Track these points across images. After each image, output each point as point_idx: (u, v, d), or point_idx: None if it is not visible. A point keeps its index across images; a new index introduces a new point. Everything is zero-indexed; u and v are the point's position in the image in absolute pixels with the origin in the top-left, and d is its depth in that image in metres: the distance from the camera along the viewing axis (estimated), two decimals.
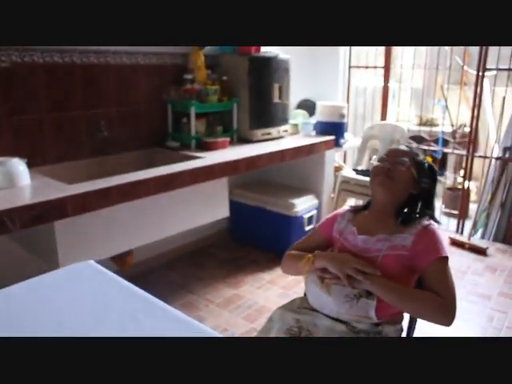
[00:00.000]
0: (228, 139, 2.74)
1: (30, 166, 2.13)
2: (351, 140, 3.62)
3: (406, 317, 1.40)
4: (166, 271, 2.91)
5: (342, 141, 3.28)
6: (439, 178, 4.63)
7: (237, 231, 3.39)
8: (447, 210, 4.02)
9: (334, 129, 3.23)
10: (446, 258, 1.30)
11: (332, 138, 3.18)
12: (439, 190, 3.99)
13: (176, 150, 2.66)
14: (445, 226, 3.71)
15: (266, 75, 2.88)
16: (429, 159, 1.49)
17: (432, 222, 1.39)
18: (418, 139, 3.85)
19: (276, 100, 2.97)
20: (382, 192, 1.39)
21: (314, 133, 3.29)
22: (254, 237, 3.15)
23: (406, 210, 1.41)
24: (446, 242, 1.36)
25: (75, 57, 2.30)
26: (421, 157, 1.44)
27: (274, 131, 3.01)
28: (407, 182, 1.38)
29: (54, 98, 2.27)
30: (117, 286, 1.28)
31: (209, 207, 2.49)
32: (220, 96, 2.81)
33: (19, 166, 1.93)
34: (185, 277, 2.85)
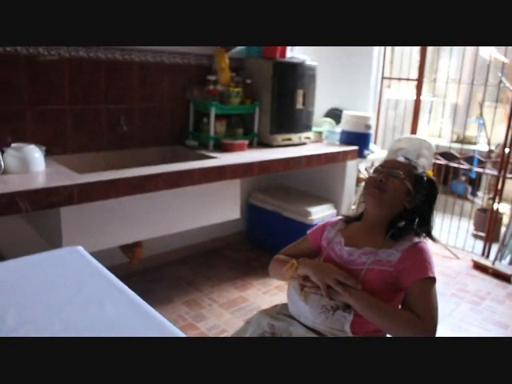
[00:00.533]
0: (246, 142, 2.74)
1: (48, 154, 2.22)
2: (378, 152, 3.53)
3: None
4: (177, 267, 2.94)
5: (366, 152, 3.20)
6: (472, 198, 4.45)
7: (252, 234, 3.39)
8: (476, 233, 3.84)
9: (358, 139, 3.16)
10: (433, 278, 1.23)
11: (355, 148, 3.11)
12: (471, 211, 3.82)
13: (194, 149, 2.68)
14: (470, 249, 3.55)
15: (290, 81, 2.86)
16: (429, 173, 1.42)
17: (424, 240, 1.32)
18: (448, 156, 3.70)
19: (299, 106, 2.95)
20: (373, 204, 1.34)
21: (338, 142, 3.24)
22: (269, 241, 3.13)
23: (399, 225, 1.35)
24: (435, 263, 1.29)
25: (100, 52, 2.37)
26: (419, 170, 1.38)
27: (294, 137, 2.98)
28: (400, 195, 1.33)
29: (77, 91, 2.35)
30: (95, 273, 1.29)
31: (219, 207, 2.49)
32: (242, 99, 2.82)
33: (35, 153, 2.01)
34: (194, 274, 2.87)
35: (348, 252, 1.34)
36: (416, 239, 1.31)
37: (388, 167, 1.35)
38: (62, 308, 1.09)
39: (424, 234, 1.36)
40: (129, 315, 1.09)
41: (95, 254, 2.09)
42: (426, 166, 3.34)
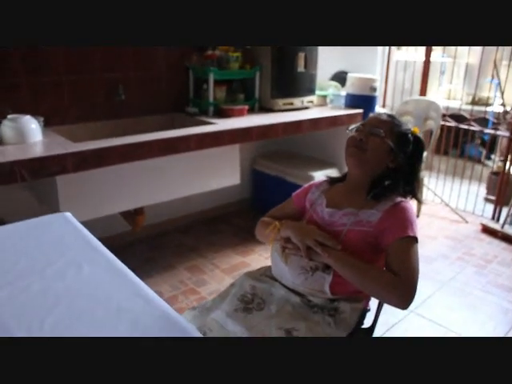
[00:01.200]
0: (246, 107, 2.71)
1: (48, 125, 2.24)
2: None
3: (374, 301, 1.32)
4: (180, 235, 2.98)
5: (371, 115, 3.11)
6: (486, 161, 4.33)
7: (257, 200, 3.40)
8: (488, 197, 3.75)
9: (363, 102, 3.08)
10: (413, 238, 1.21)
11: (360, 111, 3.04)
12: (482, 174, 3.73)
13: (194, 115, 2.67)
14: (481, 213, 3.48)
15: None
16: (415, 130, 1.37)
17: (405, 199, 1.29)
18: (459, 118, 3.58)
19: (301, 69, 2.88)
20: (353, 163, 1.31)
21: (343, 106, 3.16)
22: (274, 207, 3.12)
23: (382, 185, 1.32)
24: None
25: None
26: (403, 127, 1.34)
27: (296, 101, 2.93)
28: (381, 153, 1.29)
29: (73, 61, 2.34)
30: (79, 238, 1.31)
31: (218, 173, 2.50)
32: (242, 64, 2.77)
33: (31, 123, 2.02)
34: (197, 241, 2.91)
35: (329, 213, 1.33)
36: (399, 199, 1.28)
37: (368, 125, 1.31)
38: (44, 270, 1.12)
39: (409, 195, 1.34)
40: (105, 277, 1.11)
41: (96, 222, 2.14)
42: (433, 128, 3.26)
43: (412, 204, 1.29)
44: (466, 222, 3.39)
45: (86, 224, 2.08)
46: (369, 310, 1.38)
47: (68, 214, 1.49)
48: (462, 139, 3.69)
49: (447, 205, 3.57)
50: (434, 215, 3.50)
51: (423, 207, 3.51)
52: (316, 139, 3.26)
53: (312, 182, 1.50)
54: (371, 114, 1.40)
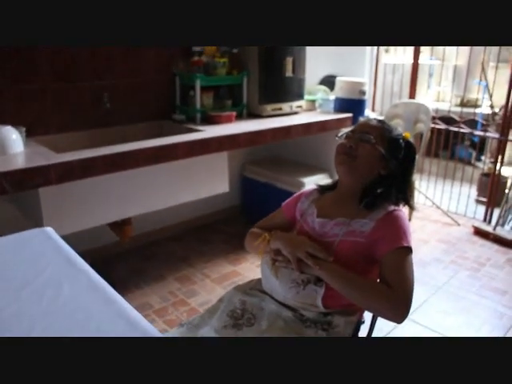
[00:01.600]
0: (234, 113, 2.66)
1: (30, 135, 2.17)
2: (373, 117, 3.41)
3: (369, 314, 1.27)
4: (169, 244, 2.93)
5: (361, 119, 3.08)
6: (476, 163, 4.31)
7: (247, 208, 3.36)
8: (479, 198, 3.74)
9: (352, 106, 3.05)
10: (408, 248, 1.16)
11: (349, 115, 3.00)
12: (473, 176, 3.71)
13: (182, 123, 2.62)
14: (472, 215, 3.46)
15: (278, 48, 2.75)
16: (407, 136, 1.33)
17: (398, 207, 1.25)
18: (448, 120, 3.57)
19: (289, 74, 2.84)
20: (343, 171, 1.27)
21: (332, 110, 3.13)
22: (264, 214, 3.05)
23: (374, 193, 1.27)
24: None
25: None
26: (394, 133, 1.29)
27: (285, 106, 2.89)
28: (372, 160, 1.25)
29: (58, 69, 2.28)
30: (60, 255, 1.25)
31: (207, 181, 2.45)
32: (229, 69, 2.72)
33: (12, 134, 1.96)
34: (187, 250, 2.85)
35: (320, 224, 1.28)
36: (392, 207, 1.24)
37: (358, 132, 1.27)
38: (20, 291, 1.06)
39: (402, 202, 1.29)
40: (85, 297, 1.05)
41: (83, 233, 2.09)
42: (423, 130, 3.23)
43: (405, 211, 1.25)
44: (458, 224, 3.36)
45: (72, 236, 2.03)
46: (363, 322, 1.33)
47: (49, 229, 1.43)
48: (452, 141, 3.67)
49: (439, 207, 3.54)
50: (426, 218, 3.47)
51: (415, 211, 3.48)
52: (306, 145, 3.22)
53: (302, 191, 1.45)
54: (361, 120, 1.35)
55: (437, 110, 3.62)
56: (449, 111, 3.56)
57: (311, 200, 1.38)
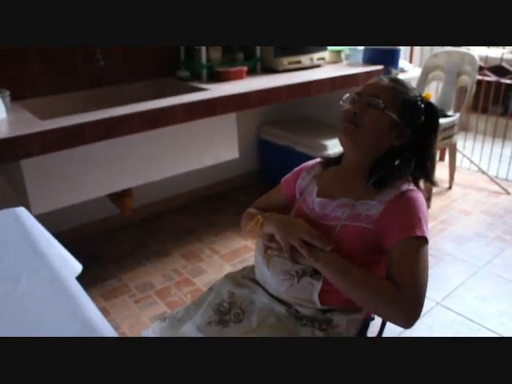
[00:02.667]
0: (245, 68, 2.53)
1: (16, 98, 2.12)
2: (411, 70, 3.19)
3: None
4: (176, 216, 2.89)
5: (394, 71, 2.89)
6: None
7: (266, 174, 3.28)
8: None
9: (384, 57, 2.85)
10: (422, 238, 1.04)
11: (380, 67, 2.81)
12: None
13: (186, 80, 2.52)
14: None
15: None
16: (427, 96, 1.18)
17: (414, 187, 1.12)
18: (499, 70, 3.29)
19: None
20: (347, 143, 1.15)
21: (361, 62, 2.93)
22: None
23: (385, 169, 1.14)
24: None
25: None
26: (409, 94, 1.15)
27: (305, 59, 2.73)
28: (382, 129, 1.12)
29: None
30: (26, 242, 1.21)
31: (212, 147, 2.36)
32: None
33: None
34: (195, 223, 2.81)
35: (320, 204, 1.17)
36: (405, 187, 1.11)
37: (365, 95, 1.13)
38: None
39: (420, 179, 1.16)
40: (42, 293, 1.00)
41: (82, 205, 2.06)
42: (468, 84, 2.99)
43: (421, 194, 1.11)
44: (508, 193, 3.16)
45: (66, 209, 2.01)
46: (373, 318, 1.24)
47: (21, 210, 1.38)
48: (504, 94, 3.41)
49: (485, 173, 3.33)
50: (469, 186, 3.28)
51: (457, 176, 3.29)
52: (329, 102, 3.04)
53: (304, 164, 1.34)
54: (371, 80, 1.20)
55: (486, 59, 3.34)
56: (501, 59, 3.27)
57: (312, 175, 1.27)
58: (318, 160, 1.32)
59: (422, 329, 1.95)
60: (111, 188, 2.13)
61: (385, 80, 1.17)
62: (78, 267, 1.44)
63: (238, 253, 2.50)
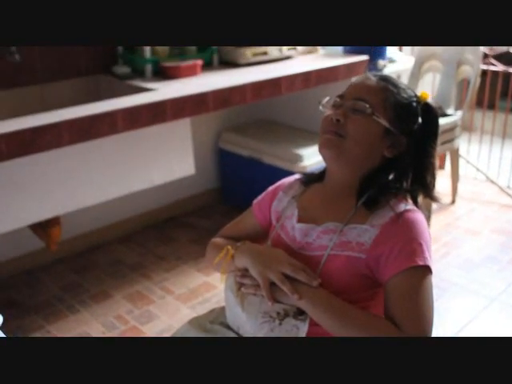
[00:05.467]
0: (199, 62, 2.63)
1: None
2: (403, 61, 3.36)
3: None
4: (116, 248, 2.95)
5: (381, 62, 3.05)
6: None
7: (227, 192, 3.35)
8: None
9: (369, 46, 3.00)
10: (424, 268, 1.13)
11: (364, 58, 2.96)
12: None
13: (125, 78, 2.59)
14: None
15: None
16: (424, 95, 1.27)
17: (412, 206, 1.21)
18: (507, 58, 3.51)
19: None
20: (329, 157, 1.23)
21: (341, 52, 3.08)
22: (249, 200, 3.06)
23: (378, 185, 1.24)
24: (430, 241, 1.18)
25: None
26: (402, 94, 1.24)
27: (273, 50, 2.85)
28: (371, 139, 1.20)
29: None
30: None
31: (162, 162, 2.45)
32: None
33: None
34: (142, 256, 2.88)
35: (302, 231, 1.25)
36: (402, 206, 1.20)
37: (349, 98, 1.23)
38: None
39: (419, 195, 1.26)
40: None
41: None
42: (471, 76, 3.18)
43: (421, 214, 1.21)
44: None
45: None
46: None
47: None
48: None
49: (494, 183, 3.52)
50: (476, 199, 3.46)
51: (461, 187, 3.46)
52: (303, 102, 3.18)
53: (279, 183, 1.42)
54: (354, 80, 1.30)
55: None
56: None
57: (291, 196, 1.35)
58: (296, 177, 1.41)
59: None
60: (33, 217, 2.17)
61: (372, 79, 1.25)
62: None
63: (196, 291, 2.56)
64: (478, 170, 3.62)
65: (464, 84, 3.46)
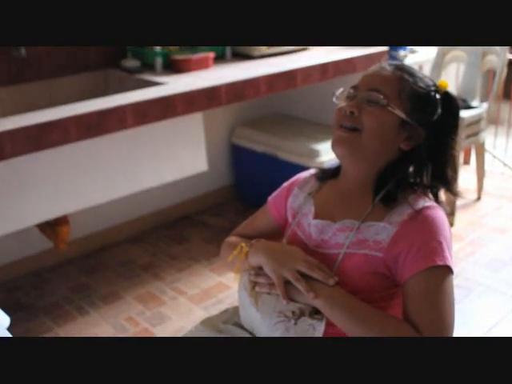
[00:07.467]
0: (211, 55, 2.66)
1: None
2: (424, 51, 3.36)
3: None
4: (127, 248, 2.98)
5: (402, 52, 3.06)
6: None
7: (242, 189, 3.38)
8: None
9: None
10: (445, 267, 1.14)
11: (384, 49, 2.97)
12: None
13: (135, 72, 2.62)
14: None
15: None
16: (443, 84, 1.27)
17: (431, 203, 1.22)
18: None
19: None
20: (343, 153, 1.24)
21: None
22: (264, 197, 3.09)
23: (394, 181, 1.25)
24: (451, 239, 1.18)
25: None
26: (420, 84, 1.24)
27: None
28: (387, 132, 1.21)
29: None
30: None
31: (173, 158, 2.48)
32: None
33: None
34: (153, 256, 2.90)
35: (318, 228, 1.27)
36: (421, 203, 1.21)
37: (363, 89, 1.24)
38: None
39: (439, 190, 1.27)
40: None
41: (5, 239, 2.10)
42: (497, 66, 3.18)
43: (441, 211, 1.23)
44: None
45: None
46: None
47: None
48: None
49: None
50: (503, 195, 3.45)
51: (487, 183, 3.45)
52: (320, 95, 3.18)
53: (294, 178, 1.44)
54: (370, 69, 1.31)
55: None
56: None
57: (307, 192, 1.37)
58: (311, 172, 1.43)
59: None
60: (41, 216, 2.20)
61: (387, 68, 1.25)
62: (4, 320, 1.51)
63: (209, 292, 2.59)
64: (505, 164, 3.61)
65: (490, 75, 3.45)
